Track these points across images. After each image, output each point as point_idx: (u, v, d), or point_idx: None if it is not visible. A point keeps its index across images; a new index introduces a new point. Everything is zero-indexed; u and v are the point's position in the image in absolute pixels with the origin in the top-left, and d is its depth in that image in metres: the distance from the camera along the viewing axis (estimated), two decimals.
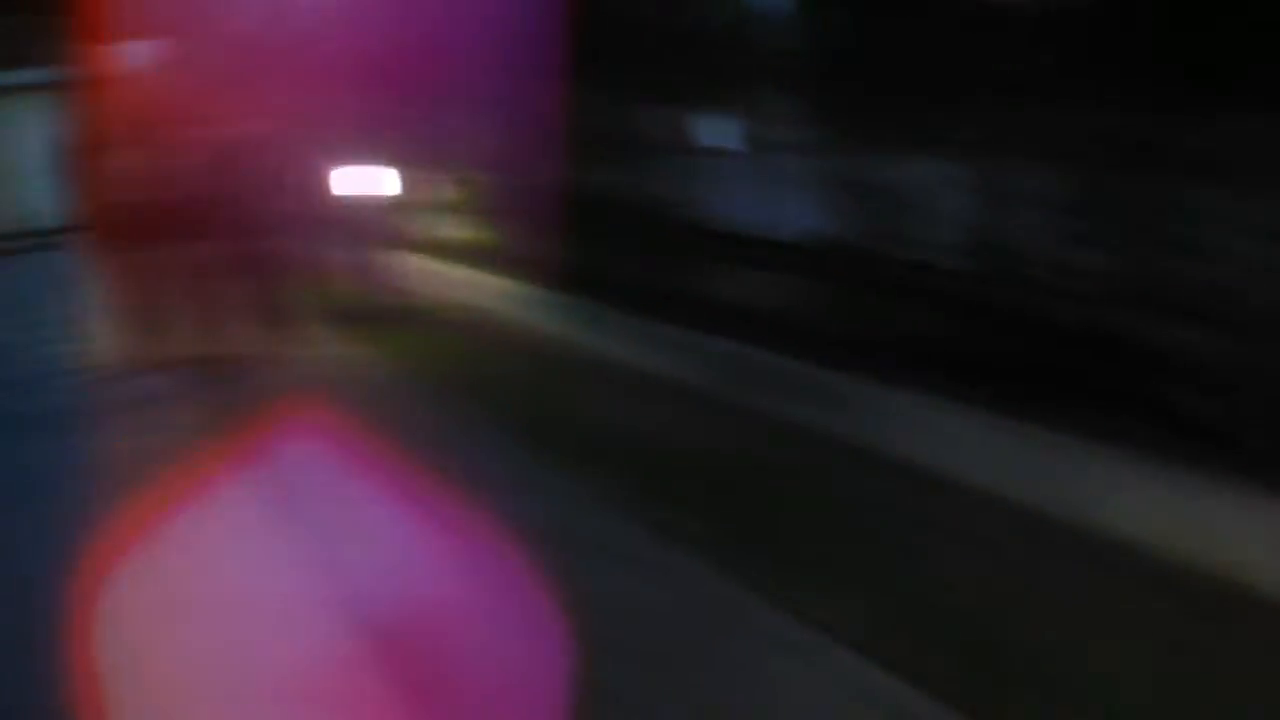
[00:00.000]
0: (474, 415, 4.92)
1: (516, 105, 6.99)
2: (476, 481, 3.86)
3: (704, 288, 5.79)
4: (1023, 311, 3.74)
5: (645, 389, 5.27)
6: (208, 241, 6.03)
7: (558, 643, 2.49)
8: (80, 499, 3.86)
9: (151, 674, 2.55)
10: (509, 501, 3.72)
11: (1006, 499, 3.37)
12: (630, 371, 5.59)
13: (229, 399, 5.45)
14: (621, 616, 2.73)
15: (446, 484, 3.87)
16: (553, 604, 2.66)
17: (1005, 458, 3.50)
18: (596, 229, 6.44)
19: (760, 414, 4.63)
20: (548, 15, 6.44)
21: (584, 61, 6.32)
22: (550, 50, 6.51)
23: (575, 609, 2.61)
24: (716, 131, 7.42)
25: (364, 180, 7.30)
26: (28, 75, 16.21)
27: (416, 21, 7.71)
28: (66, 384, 6.08)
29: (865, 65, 4.86)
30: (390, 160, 7.60)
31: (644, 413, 4.84)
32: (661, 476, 3.96)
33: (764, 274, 5.76)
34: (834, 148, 5.18)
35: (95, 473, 4.26)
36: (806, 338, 4.73)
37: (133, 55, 15.91)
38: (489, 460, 4.25)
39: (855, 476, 3.84)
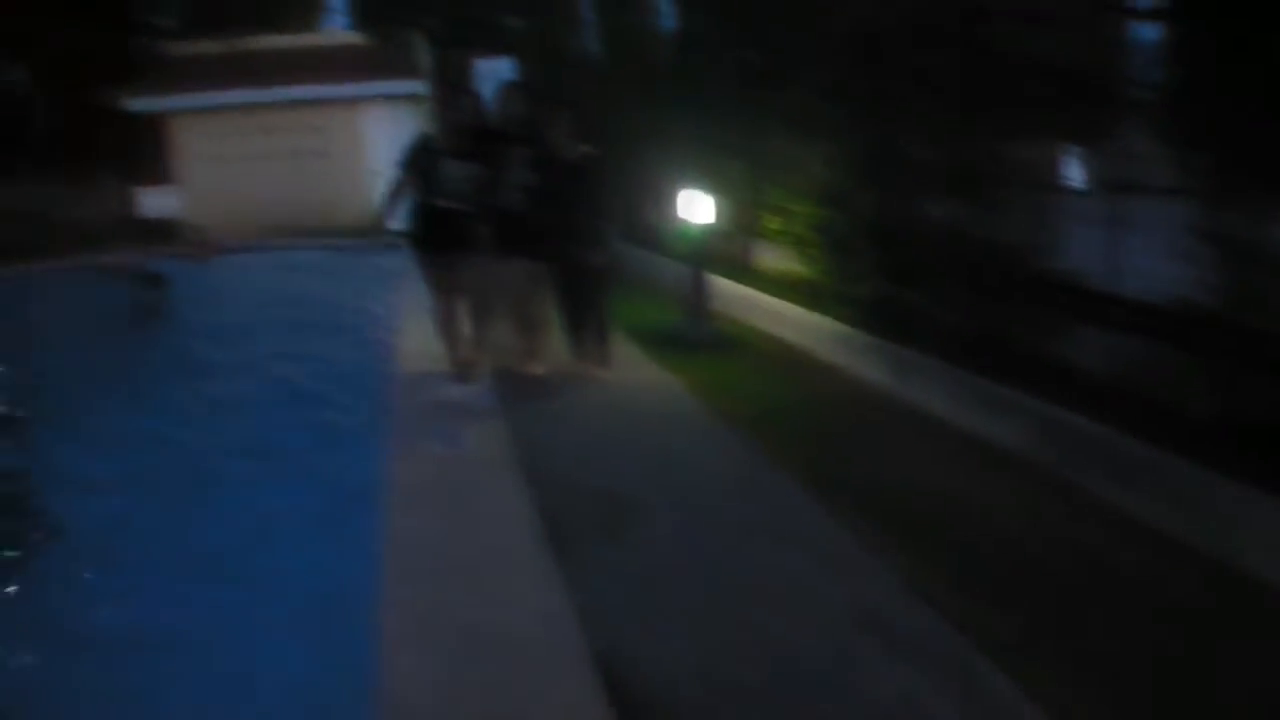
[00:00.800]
0: (777, 465, 4.76)
1: (845, 132, 6.78)
2: (771, 543, 3.74)
3: (1046, 345, 5.30)
4: None
5: (966, 454, 4.88)
6: (531, 256, 6.25)
7: None
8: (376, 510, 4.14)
9: None
10: (807, 574, 3.56)
11: None
12: (952, 432, 5.22)
13: (533, 416, 5.65)
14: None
15: (738, 545, 3.78)
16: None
17: None
18: (925, 268, 6.10)
19: (1099, 502, 4.14)
20: (888, 40, 6.20)
21: (920, 88, 6.01)
22: (887, 77, 6.26)
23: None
24: (1068, 169, 6.84)
25: (686, 204, 7.33)
26: (393, 86, 18.00)
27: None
28: (380, 389, 6.54)
29: (1248, 99, 4.22)
30: (710, 185, 7.58)
31: (963, 483, 4.48)
32: (979, 565, 3.62)
33: (1116, 335, 5.19)
34: (1205, 194, 4.54)
35: (399, 485, 4.54)
36: (1163, 417, 4.17)
37: (486, 71, 16.97)
38: (788, 522, 4.08)
39: (1207, 595, 3.33)
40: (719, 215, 7.60)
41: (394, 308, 9.15)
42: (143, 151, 18.23)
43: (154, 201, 18.15)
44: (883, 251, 6.49)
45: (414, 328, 7.58)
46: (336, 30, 21.99)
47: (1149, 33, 7.01)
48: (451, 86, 6.40)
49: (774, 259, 8.62)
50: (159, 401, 6.92)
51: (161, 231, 17.74)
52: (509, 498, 4.40)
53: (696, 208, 7.30)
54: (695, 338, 7.43)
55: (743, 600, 3.40)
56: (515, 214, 6.11)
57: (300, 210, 17.35)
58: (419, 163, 6.01)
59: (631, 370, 6.73)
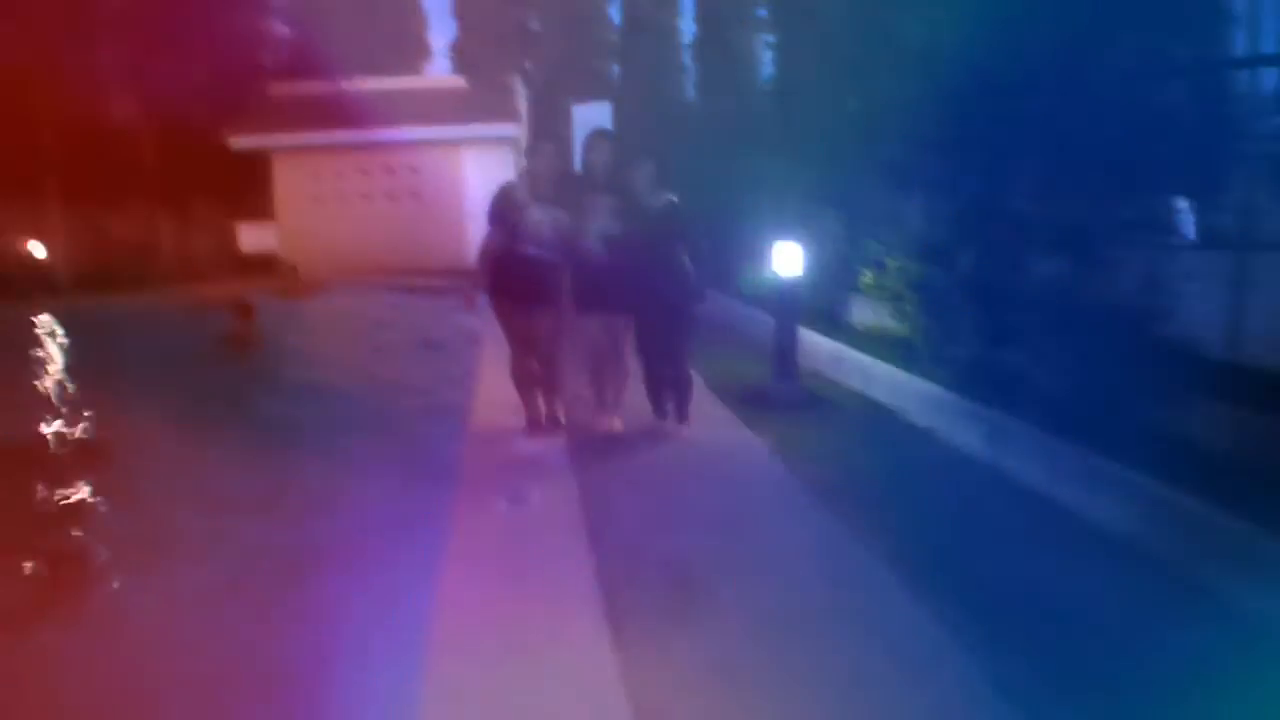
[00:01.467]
0: (863, 542, 4.34)
1: (947, 185, 6.39)
2: (850, 633, 3.33)
3: (1160, 417, 4.80)
4: None
5: (1067, 536, 4.40)
6: (611, 308, 5.99)
7: None
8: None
9: None
10: (888, 673, 3.14)
11: None
12: (1052, 509, 4.73)
13: (606, 476, 5.35)
14: None
15: (816, 634, 3.37)
16: None
17: None
18: (1028, 330, 5.65)
19: (1218, 599, 3.63)
20: (994, 89, 5.82)
21: (1026, 140, 5.61)
22: (992, 127, 5.87)
23: None
24: (1183, 224, 6.35)
25: (778, 256, 7.00)
26: (490, 129, 18.15)
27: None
28: (451, 441, 6.29)
29: None
30: (803, 236, 7.25)
31: (1063, 571, 4.01)
32: (1077, 670, 3.16)
33: (1239, 407, 4.67)
34: None
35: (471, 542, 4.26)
36: None
37: (582, 116, 16.93)
38: (871, 610, 3.66)
39: None
40: (811, 267, 7.26)
41: (476, 355, 8.98)
42: (245, 188, 18.69)
43: (253, 237, 18.56)
44: (983, 311, 6.06)
45: (494, 377, 7.35)
46: (439, 74, 22.34)
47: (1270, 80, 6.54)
48: (536, 134, 6.07)
49: (868, 314, 8.21)
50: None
51: (259, 267, 18.11)
52: (571, 566, 4.08)
53: (788, 259, 6.96)
54: (783, 396, 7.06)
55: (816, 701, 3.01)
56: (597, 264, 5.89)
57: (394, 251, 17.53)
58: (504, 213, 5.81)
59: (713, 429, 6.38)
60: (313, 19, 21.32)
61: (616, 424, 6.27)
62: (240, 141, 17.84)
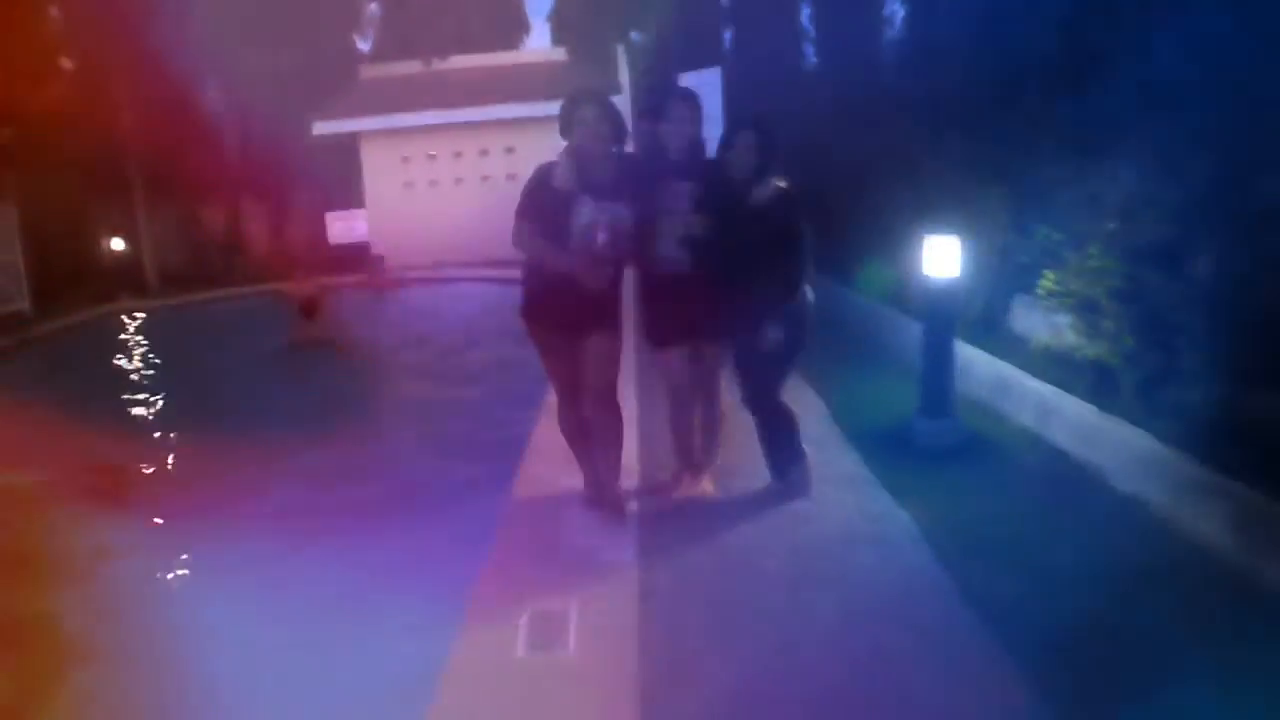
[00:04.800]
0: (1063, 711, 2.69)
1: (1177, 157, 4.57)
2: None
3: None
4: None
5: None
6: (696, 335, 4.41)
7: None
8: None
9: None
10: None
11: None
12: None
13: (683, 578, 3.78)
14: None
15: None
16: None
17: None
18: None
19: None
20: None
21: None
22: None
23: None
24: None
25: (926, 253, 5.29)
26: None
27: None
28: (486, 512, 4.75)
29: None
30: (958, 225, 5.51)
31: None
32: None
33: None
34: None
35: None
36: None
37: (691, 85, 15.34)
38: None
39: None
40: (969, 265, 5.51)
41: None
42: (334, 175, 17.69)
43: (342, 226, 17.54)
44: (1229, 337, 4.24)
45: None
46: (537, 48, 20.96)
47: None
48: (577, 95, 4.17)
49: (1038, 324, 6.37)
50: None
51: (347, 258, 17.10)
52: None
53: (943, 257, 5.22)
54: (933, 438, 5.33)
55: None
56: (675, 276, 4.28)
57: (488, 239, 16.20)
58: (540, 206, 4.16)
59: (839, 491, 4.70)
60: None
61: (708, 487, 4.68)
62: (328, 126, 16.77)
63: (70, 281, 15.83)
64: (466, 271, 14.73)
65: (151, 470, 6.51)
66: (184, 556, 5.00)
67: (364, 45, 20.39)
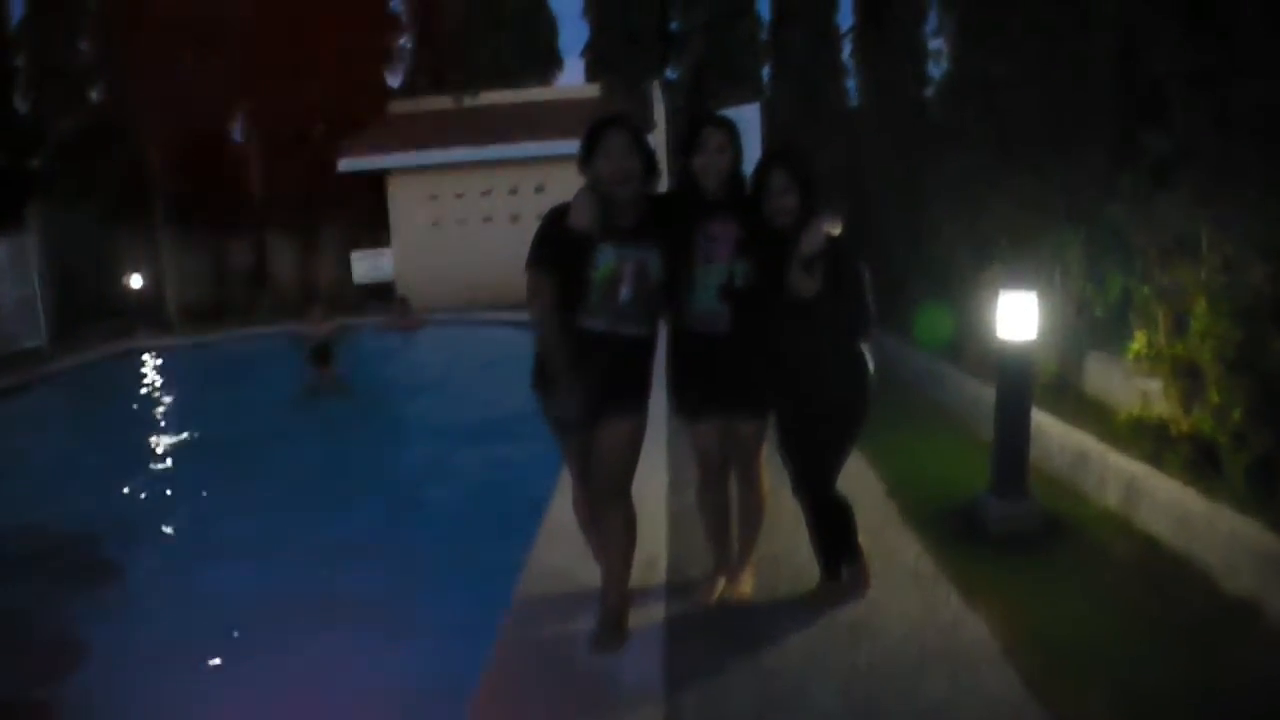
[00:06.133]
0: None
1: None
2: None
3: None
4: None
5: None
6: (737, 406, 3.73)
7: None
8: None
9: None
10: None
11: None
12: None
13: (719, 710, 3.10)
14: None
15: None
16: None
17: None
18: None
19: None
20: None
21: None
22: None
23: None
24: None
25: (998, 311, 4.61)
26: None
27: None
28: (478, 619, 3.95)
29: None
30: (1028, 278, 4.84)
31: None
32: None
33: None
34: None
35: None
36: None
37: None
38: None
39: None
40: (1043, 322, 4.82)
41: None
42: (360, 212, 17.25)
43: (367, 264, 17.07)
44: None
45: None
46: (570, 84, 20.52)
47: None
48: (600, 122, 3.48)
49: (1116, 385, 5.65)
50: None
51: (371, 297, 16.61)
52: None
53: (1017, 315, 4.54)
54: (1008, 522, 4.61)
55: None
56: (713, 335, 3.61)
57: (517, 281, 15.66)
58: (555, 256, 3.48)
59: (902, 597, 3.98)
60: (436, 31, 19.83)
61: (746, 588, 3.98)
62: (354, 163, 16.34)
63: (90, 316, 15.47)
64: (493, 314, 14.13)
65: None
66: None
67: (394, 80, 19.98)
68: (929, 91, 9.26)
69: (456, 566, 5.03)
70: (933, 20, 8.71)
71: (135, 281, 16.70)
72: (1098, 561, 4.35)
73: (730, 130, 3.63)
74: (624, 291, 3.42)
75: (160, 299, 16.91)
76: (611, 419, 3.51)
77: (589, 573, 3.93)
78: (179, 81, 15.63)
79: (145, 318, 16.08)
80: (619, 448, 3.54)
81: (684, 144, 3.66)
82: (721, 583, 3.97)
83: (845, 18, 17.72)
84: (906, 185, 8.62)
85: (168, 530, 6.33)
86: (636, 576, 3.81)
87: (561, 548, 4.36)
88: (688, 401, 3.77)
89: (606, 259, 3.42)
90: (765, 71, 19.37)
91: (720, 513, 3.94)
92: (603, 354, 3.44)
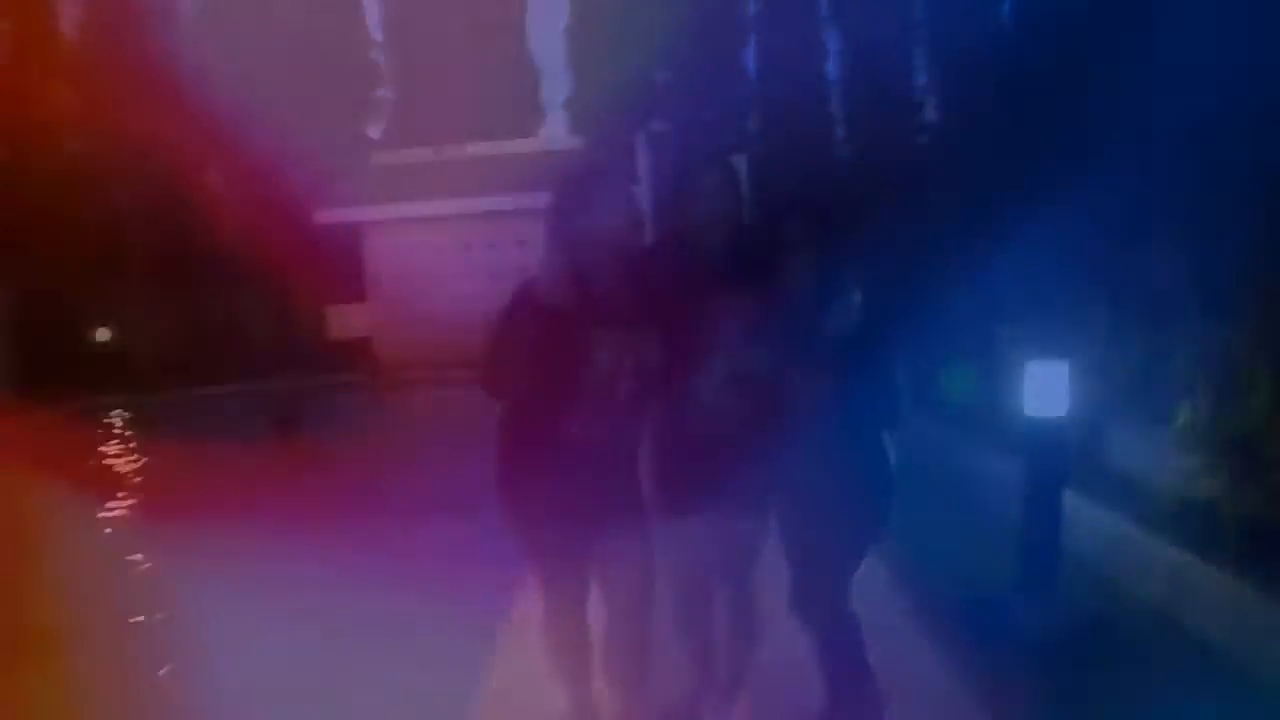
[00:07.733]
0: None
1: None
2: None
3: None
4: None
5: None
6: (741, 513, 3.06)
7: None
8: None
9: None
10: None
11: None
12: None
13: None
14: None
15: None
16: None
17: None
18: None
19: None
20: None
21: None
22: None
23: None
24: None
25: (1031, 385, 4.04)
26: None
27: None
28: None
29: None
30: (1059, 347, 4.29)
31: None
32: None
33: None
34: None
35: None
36: None
37: None
38: None
39: None
40: (1079, 395, 4.26)
41: None
42: (336, 266, 16.75)
43: (343, 320, 16.51)
44: None
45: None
46: (553, 135, 20.16)
47: None
48: (579, 174, 2.81)
49: (1152, 461, 5.09)
50: None
51: (344, 355, 16.02)
52: None
53: (1046, 388, 3.97)
54: (1036, 626, 4.01)
55: None
56: (719, 435, 2.92)
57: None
58: (523, 340, 2.80)
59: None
60: (416, 82, 19.49)
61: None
62: (330, 215, 15.86)
63: (54, 371, 14.81)
64: (470, 374, 13.60)
65: None
66: None
67: (374, 132, 19.59)
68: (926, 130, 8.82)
69: None
70: None
71: (106, 333, 16.10)
72: (1146, 671, 3.76)
73: (730, 175, 2.99)
74: (608, 381, 2.76)
75: (129, 354, 16.30)
76: (615, 530, 2.91)
77: (555, 702, 3.27)
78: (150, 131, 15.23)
79: (112, 374, 15.43)
80: (632, 579, 2.98)
81: (673, 188, 3.04)
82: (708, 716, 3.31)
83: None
84: (902, 234, 8.13)
85: None
86: None
87: (517, 673, 3.70)
88: (686, 504, 3.02)
89: (584, 342, 2.76)
90: (750, 122, 19.06)
91: (704, 632, 3.27)
92: (595, 453, 2.81)
